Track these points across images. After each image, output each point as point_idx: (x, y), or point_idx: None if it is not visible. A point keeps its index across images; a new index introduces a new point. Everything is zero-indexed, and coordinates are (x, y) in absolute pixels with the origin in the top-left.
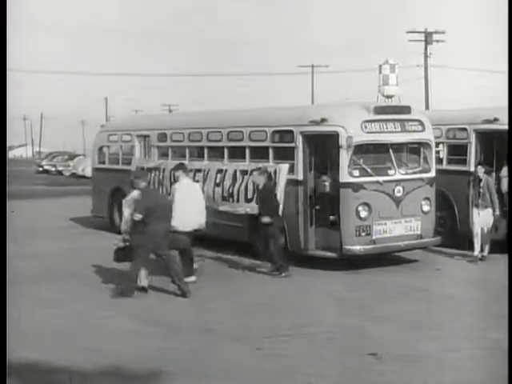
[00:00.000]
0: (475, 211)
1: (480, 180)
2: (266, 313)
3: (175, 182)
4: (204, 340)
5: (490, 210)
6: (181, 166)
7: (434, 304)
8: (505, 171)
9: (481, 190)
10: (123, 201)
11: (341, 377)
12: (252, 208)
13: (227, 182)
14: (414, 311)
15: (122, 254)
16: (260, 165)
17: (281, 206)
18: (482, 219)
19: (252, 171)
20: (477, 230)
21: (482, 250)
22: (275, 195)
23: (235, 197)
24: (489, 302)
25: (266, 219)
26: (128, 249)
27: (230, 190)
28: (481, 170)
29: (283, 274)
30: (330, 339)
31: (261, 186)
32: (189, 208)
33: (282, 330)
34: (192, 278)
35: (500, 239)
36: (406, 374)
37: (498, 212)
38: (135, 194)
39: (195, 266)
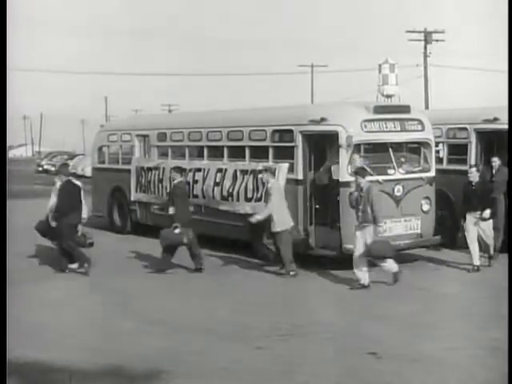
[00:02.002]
0: (468, 216)
1: (471, 182)
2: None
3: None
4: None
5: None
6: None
7: (432, 303)
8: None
9: (478, 193)
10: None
11: (341, 376)
12: (252, 207)
13: (227, 182)
14: (414, 311)
15: (45, 230)
16: (260, 164)
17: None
18: (481, 224)
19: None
20: (472, 237)
21: (490, 257)
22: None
23: (235, 196)
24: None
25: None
26: (51, 228)
27: (230, 190)
28: (473, 172)
29: (291, 273)
30: (330, 339)
31: (270, 185)
32: None
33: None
34: None
35: None
36: (406, 374)
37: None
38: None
39: None
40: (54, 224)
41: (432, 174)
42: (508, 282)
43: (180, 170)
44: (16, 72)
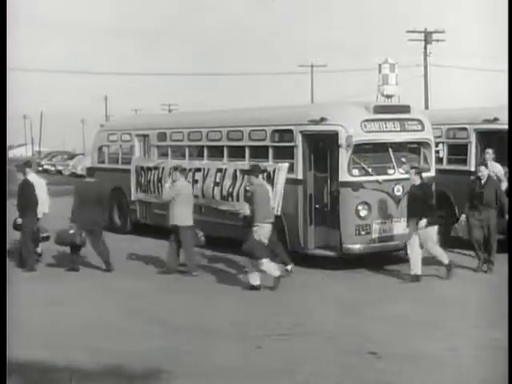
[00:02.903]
0: (472, 215)
1: (480, 180)
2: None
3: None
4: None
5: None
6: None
7: (432, 303)
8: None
9: (482, 191)
10: None
11: (341, 376)
12: None
13: (227, 182)
14: (414, 310)
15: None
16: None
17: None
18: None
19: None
20: (477, 237)
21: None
22: None
23: (235, 196)
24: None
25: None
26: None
27: (230, 190)
28: (483, 170)
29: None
30: (330, 338)
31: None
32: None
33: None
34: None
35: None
36: (406, 373)
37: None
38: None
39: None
40: (19, 221)
41: (432, 174)
42: (508, 281)
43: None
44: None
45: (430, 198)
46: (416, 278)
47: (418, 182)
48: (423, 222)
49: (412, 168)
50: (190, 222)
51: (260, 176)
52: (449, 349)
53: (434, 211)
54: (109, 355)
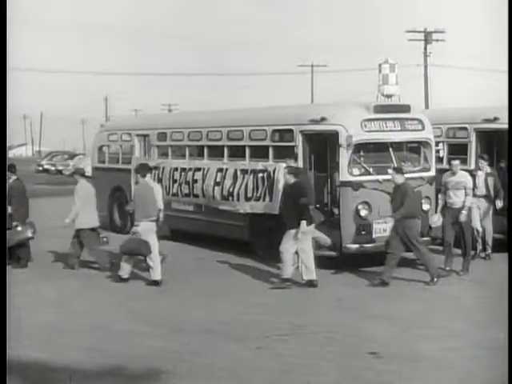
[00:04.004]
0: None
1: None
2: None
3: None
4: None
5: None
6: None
7: (433, 303)
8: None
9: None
10: None
11: (340, 376)
12: (252, 207)
13: (227, 181)
14: (414, 310)
15: None
16: (260, 164)
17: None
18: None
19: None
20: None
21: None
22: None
23: (235, 196)
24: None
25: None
26: None
27: (230, 189)
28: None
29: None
30: (330, 338)
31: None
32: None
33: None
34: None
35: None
36: (406, 373)
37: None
38: None
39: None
40: None
41: (432, 173)
42: (508, 281)
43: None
44: (16, 72)
45: (301, 196)
46: (311, 283)
47: (291, 181)
48: (303, 224)
49: (286, 167)
50: (94, 223)
51: (148, 176)
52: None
53: (308, 214)
54: None
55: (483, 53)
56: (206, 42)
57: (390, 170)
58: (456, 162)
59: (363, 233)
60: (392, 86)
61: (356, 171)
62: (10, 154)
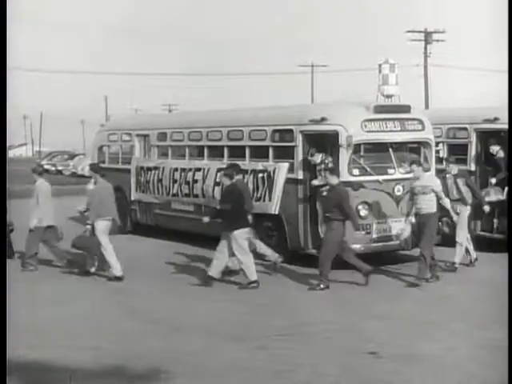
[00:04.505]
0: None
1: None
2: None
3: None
4: None
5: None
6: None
7: (432, 303)
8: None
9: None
10: None
11: (340, 376)
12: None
13: None
14: (413, 310)
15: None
16: (260, 164)
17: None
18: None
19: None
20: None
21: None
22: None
23: None
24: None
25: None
26: None
27: None
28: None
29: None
30: (330, 338)
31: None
32: None
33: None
34: None
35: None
36: (406, 373)
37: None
38: None
39: None
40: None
41: (432, 173)
42: (508, 281)
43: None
44: (16, 72)
45: (228, 200)
46: (255, 283)
47: (227, 183)
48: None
49: (223, 169)
50: (50, 222)
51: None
52: None
53: (240, 214)
54: None
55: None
56: (206, 42)
57: (325, 172)
58: (413, 166)
59: (363, 233)
60: (392, 87)
61: (356, 171)
62: (10, 154)
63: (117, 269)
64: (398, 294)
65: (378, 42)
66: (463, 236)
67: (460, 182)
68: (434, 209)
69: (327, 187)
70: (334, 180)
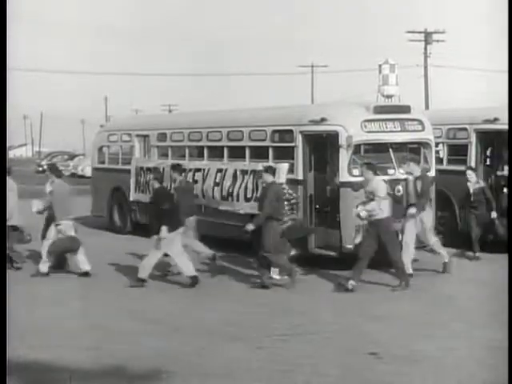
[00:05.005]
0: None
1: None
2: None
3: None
4: None
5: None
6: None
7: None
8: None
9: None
10: None
11: (340, 376)
12: (251, 207)
13: (227, 182)
14: (414, 310)
15: None
16: (260, 164)
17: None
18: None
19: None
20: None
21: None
22: None
23: (235, 196)
24: None
25: None
26: None
27: (230, 190)
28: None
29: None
30: (330, 338)
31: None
32: None
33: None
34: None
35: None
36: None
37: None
38: None
39: None
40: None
41: (432, 174)
42: (508, 281)
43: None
44: (16, 72)
45: (161, 202)
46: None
47: (155, 186)
48: (163, 229)
49: (154, 172)
50: (16, 221)
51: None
52: None
53: (169, 216)
54: None
55: (483, 53)
56: (206, 43)
57: (264, 173)
58: (411, 164)
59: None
60: (392, 87)
61: (356, 172)
62: (10, 154)
63: (85, 263)
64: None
65: (378, 42)
66: (431, 240)
67: (418, 184)
68: (384, 214)
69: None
70: (269, 178)
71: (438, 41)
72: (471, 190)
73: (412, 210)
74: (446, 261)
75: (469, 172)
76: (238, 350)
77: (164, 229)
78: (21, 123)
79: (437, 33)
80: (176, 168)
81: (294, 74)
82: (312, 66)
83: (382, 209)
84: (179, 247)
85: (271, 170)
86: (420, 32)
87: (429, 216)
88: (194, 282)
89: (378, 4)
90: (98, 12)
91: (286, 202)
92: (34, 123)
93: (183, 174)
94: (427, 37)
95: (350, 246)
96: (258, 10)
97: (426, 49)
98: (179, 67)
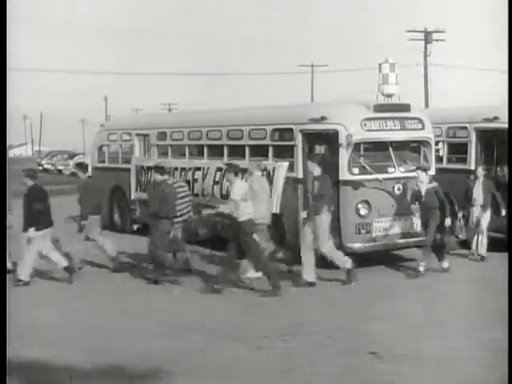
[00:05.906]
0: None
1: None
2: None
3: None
4: None
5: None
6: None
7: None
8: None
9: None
10: None
11: (340, 376)
12: None
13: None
14: (413, 310)
15: None
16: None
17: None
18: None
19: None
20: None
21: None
22: None
23: None
24: None
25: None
26: None
27: (230, 189)
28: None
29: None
30: (330, 338)
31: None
32: None
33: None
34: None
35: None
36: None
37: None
38: None
39: None
40: None
41: (432, 172)
42: (508, 281)
43: None
44: (16, 72)
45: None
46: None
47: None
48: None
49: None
50: None
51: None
52: None
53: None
54: None
55: (483, 53)
56: (205, 42)
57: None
58: (418, 171)
59: (363, 232)
60: (392, 86)
61: (356, 170)
62: (10, 153)
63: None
64: None
65: (378, 42)
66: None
67: (316, 185)
68: (245, 217)
69: None
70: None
71: (437, 40)
72: (423, 192)
73: (303, 215)
74: (349, 267)
75: (418, 172)
76: None
77: (31, 229)
78: (21, 123)
79: (437, 32)
80: (157, 169)
81: (294, 74)
82: (312, 66)
83: (244, 211)
84: (49, 244)
85: (234, 169)
86: (420, 31)
87: (326, 221)
88: (70, 271)
89: (378, 4)
90: (98, 12)
91: (179, 201)
92: (33, 123)
93: (166, 175)
94: (427, 36)
95: (350, 245)
96: (258, 10)
97: (425, 48)
98: (179, 67)
